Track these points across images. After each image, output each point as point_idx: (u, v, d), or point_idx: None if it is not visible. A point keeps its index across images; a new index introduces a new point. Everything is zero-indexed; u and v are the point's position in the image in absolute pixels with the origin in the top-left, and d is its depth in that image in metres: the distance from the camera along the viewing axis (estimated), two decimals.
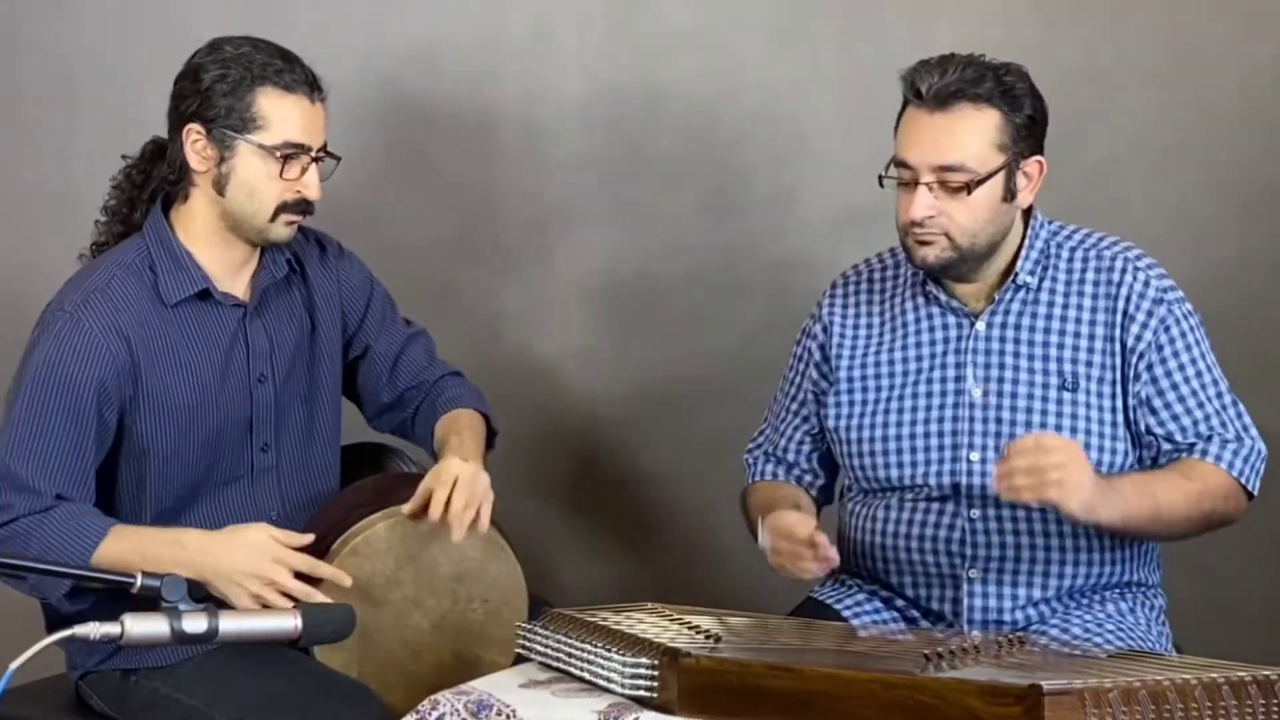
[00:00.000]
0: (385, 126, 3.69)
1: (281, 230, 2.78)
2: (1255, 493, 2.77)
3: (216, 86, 2.71)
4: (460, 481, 2.73)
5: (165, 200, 2.82)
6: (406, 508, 2.74)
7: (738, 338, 3.72)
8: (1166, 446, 2.75)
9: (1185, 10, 3.56)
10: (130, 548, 2.65)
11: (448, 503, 2.72)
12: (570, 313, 3.78)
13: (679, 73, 3.69)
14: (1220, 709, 2.08)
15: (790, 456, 2.97)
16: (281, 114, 2.72)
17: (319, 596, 2.64)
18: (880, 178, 2.74)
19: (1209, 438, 2.74)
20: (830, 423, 2.89)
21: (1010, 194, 2.71)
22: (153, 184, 2.83)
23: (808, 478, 2.98)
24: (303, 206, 2.77)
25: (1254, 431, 2.78)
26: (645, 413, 3.78)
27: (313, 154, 2.76)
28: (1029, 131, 2.71)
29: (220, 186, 2.75)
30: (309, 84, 2.76)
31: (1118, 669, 2.18)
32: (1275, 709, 2.10)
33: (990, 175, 2.68)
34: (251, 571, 2.63)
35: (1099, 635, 2.73)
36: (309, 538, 2.71)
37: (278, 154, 2.72)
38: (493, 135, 3.73)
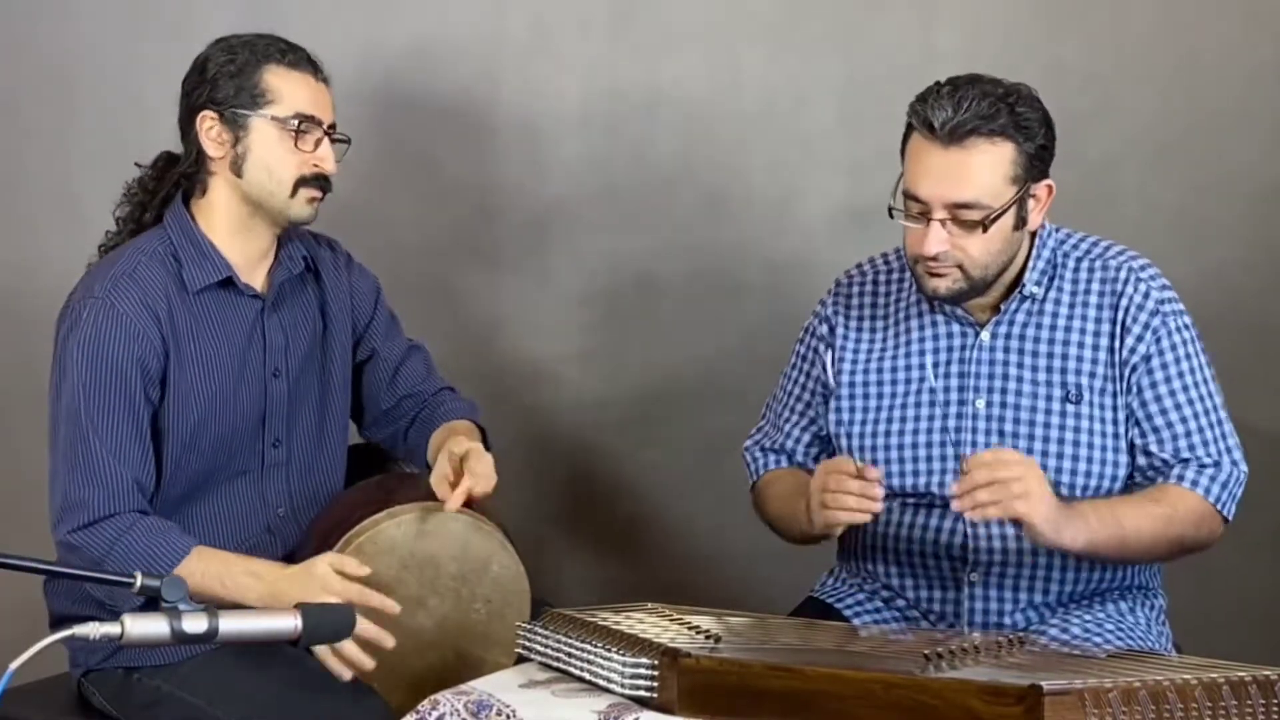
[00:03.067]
0: (385, 126, 3.70)
1: (303, 208, 2.79)
2: (1230, 518, 2.73)
3: (224, 70, 2.76)
4: (472, 452, 2.75)
5: (184, 196, 2.84)
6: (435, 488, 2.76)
7: (738, 338, 3.72)
8: (1141, 461, 2.73)
9: (1185, 10, 3.56)
10: (210, 572, 2.64)
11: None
12: (570, 313, 3.78)
13: (679, 73, 3.69)
14: (1220, 709, 2.08)
15: (792, 450, 2.95)
16: (290, 87, 2.77)
17: (371, 630, 2.61)
18: (890, 209, 2.69)
19: (1186, 461, 2.71)
20: (831, 427, 2.88)
21: (1021, 221, 2.69)
22: (165, 190, 2.85)
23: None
24: (321, 182, 2.79)
25: (1237, 454, 2.75)
26: (645, 413, 3.78)
27: (324, 128, 2.79)
28: (1040, 159, 2.68)
29: (238, 168, 2.77)
30: (311, 62, 2.81)
31: (1118, 669, 2.18)
32: (1275, 709, 2.10)
33: (1004, 209, 2.64)
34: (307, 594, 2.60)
35: (1099, 635, 2.73)
36: (365, 571, 2.67)
37: (290, 125, 2.75)
38: (492, 135, 3.73)
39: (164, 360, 2.74)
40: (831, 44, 3.66)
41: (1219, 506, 2.72)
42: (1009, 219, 2.66)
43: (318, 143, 2.78)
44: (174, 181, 2.83)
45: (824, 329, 2.92)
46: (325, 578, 2.63)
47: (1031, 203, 2.70)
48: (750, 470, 3.00)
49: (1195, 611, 3.15)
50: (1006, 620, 2.76)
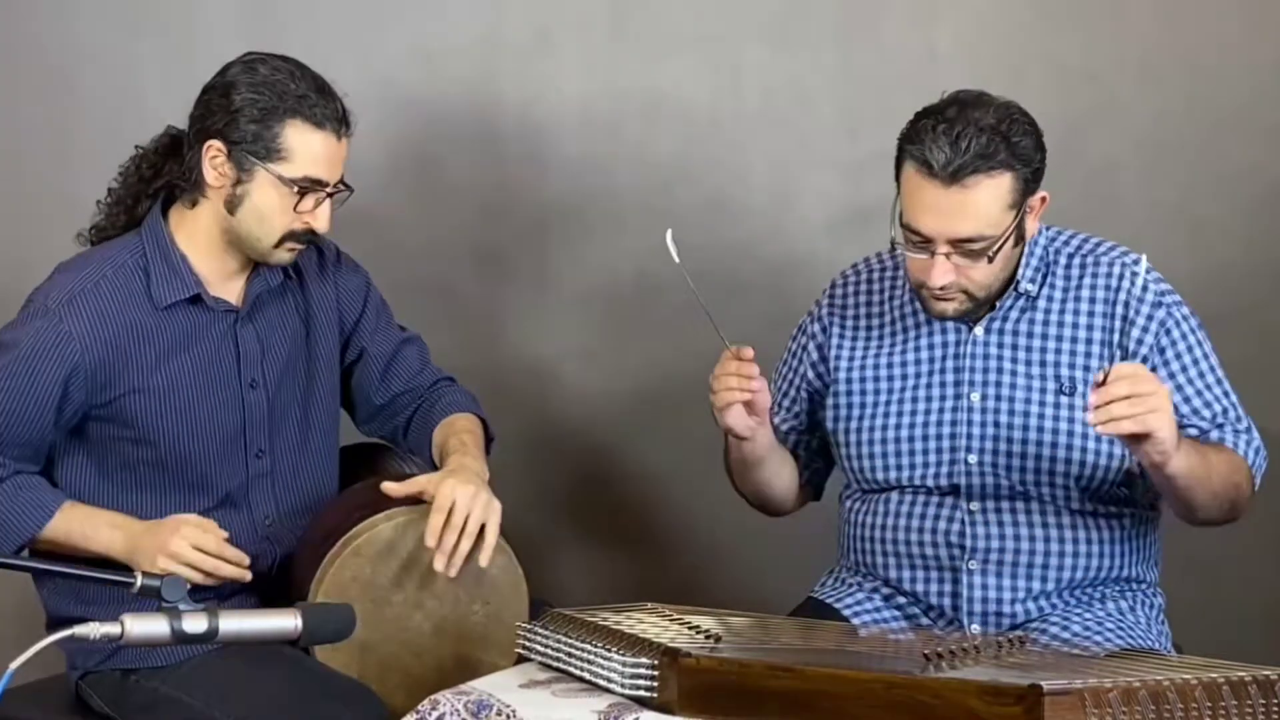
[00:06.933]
0: (386, 128, 3.69)
1: (283, 255, 2.78)
2: (1259, 486, 2.77)
3: (246, 110, 2.69)
4: (457, 508, 2.70)
5: (166, 198, 2.81)
6: (392, 487, 2.74)
7: (737, 338, 3.70)
8: (1192, 434, 2.74)
9: (1185, 10, 3.56)
10: (74, 527, 2.70)
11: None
12: (570, 313, 3.78)
13: (679, 73, 3.69)
14: (1220, 709, 2.08)
15: (781, 440, 2.97)
16: (307, 148, 2.71)
17: (227, 570, 2.67)
18: (893, 243, 2.70)
19: (1223, 426, 2.75)
20: (829, 424, 2.90)
21: (1020, 238, 2.71)
22: (162, 179, 2.82)
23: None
24: (308, 237, 2.77)
25: (1254, 426, 2.79)
26: (645, 413, 3.78)
27: (329, 189, 2.75)
28: (1035, 179, 2.68)
29: (232, 206, 2.73)
30: (339, 119, 2.74)
31: (1118, 669, 2.18)
32: (1275, 709, 2.10)
33: (1006, 236, 2.65)
34: (161, 548, 2.66)
35: (1099, 634, 2.74)
36: (223, 534, 2.72)
37: (295, 187, 2.71)
38: (493, 136, 3.73)
39: (103, 385, 2.72)
40: (831, 44, 3.66)
41: (1253, 469, 2.75)
42: (1010, 240, 2.68)
43: (318, 203, 2.74)
44: (168, 179, 2.80)
45: (816, 328, 2.96)
46: (179, 527, 2.67)
47: (1027, 214, 2.71)
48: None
49: (1195, 611, 3.14)
50: (1006, 610, 2.77)
